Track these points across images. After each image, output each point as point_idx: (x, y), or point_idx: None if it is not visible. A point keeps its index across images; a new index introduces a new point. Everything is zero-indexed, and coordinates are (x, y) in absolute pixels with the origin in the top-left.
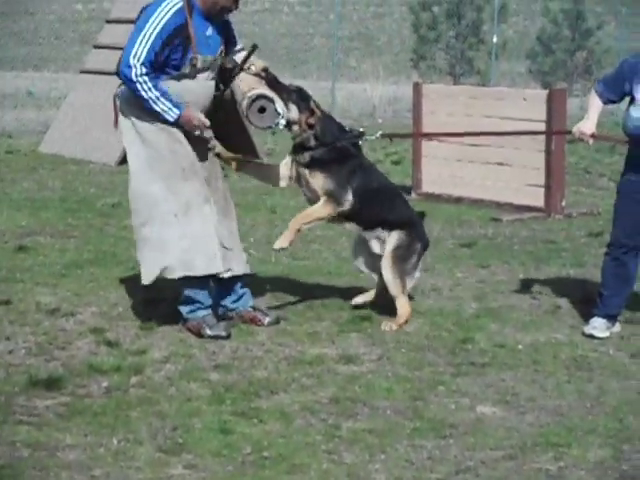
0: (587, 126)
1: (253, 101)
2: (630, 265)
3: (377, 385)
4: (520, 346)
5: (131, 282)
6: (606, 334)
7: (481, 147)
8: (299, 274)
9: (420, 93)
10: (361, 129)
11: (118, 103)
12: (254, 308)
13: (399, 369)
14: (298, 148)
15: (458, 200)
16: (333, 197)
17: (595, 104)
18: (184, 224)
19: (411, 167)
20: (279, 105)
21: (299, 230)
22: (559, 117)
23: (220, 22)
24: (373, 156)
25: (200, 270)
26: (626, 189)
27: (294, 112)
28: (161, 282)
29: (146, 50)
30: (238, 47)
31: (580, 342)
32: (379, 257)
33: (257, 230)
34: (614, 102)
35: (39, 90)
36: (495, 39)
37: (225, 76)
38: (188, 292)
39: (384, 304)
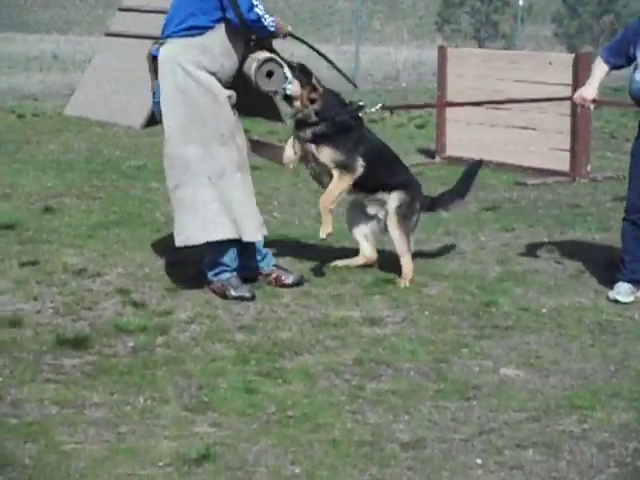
0: (588, 92)
1: (262, 64)
2: None
3: (401, 347)
4: (544, 310)
5: (157, 243)
6: (630, 299)
7: (505, 111)
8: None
9: (445, 57)
10: (361, 102)
11: (154, 63)
12: (277, 267)
13: (423, 331)
14: (300, 124)
15: (482, 164)
16: (346, 167)
17: (598, 70)
18: (216, 188)
19: (435, 131)
20: (287, 70)
21: (331, 210)
22: (585, 81)
23: None
24: (397, 120)
25: (225, 234)
26: (638, 151)
27: (296, 87)
28: None
29: None
30: None
31: (604, 306)
32: (373, 219)
33: (281, 193)
34: (621, 67)
35: (64, 53)
36: (521, 2)
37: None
38: (213, 255)
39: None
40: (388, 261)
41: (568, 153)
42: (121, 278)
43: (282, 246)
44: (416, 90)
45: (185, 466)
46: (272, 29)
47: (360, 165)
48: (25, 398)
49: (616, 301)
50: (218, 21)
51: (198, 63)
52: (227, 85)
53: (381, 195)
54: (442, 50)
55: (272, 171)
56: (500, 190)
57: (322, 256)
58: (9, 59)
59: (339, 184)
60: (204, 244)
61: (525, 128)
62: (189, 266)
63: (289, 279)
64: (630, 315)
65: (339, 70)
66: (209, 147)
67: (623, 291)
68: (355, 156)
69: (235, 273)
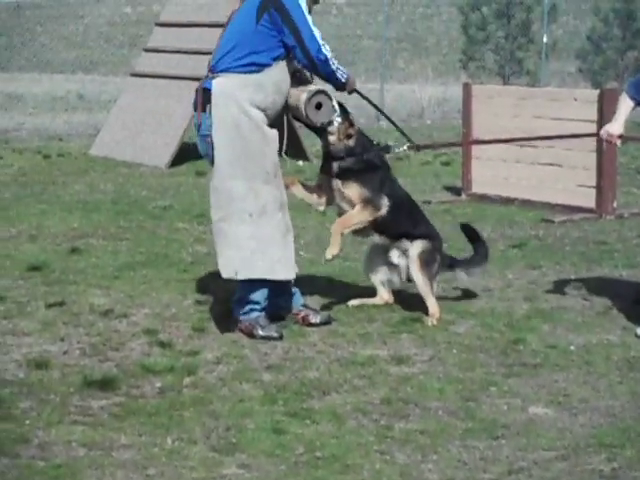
0: (614, 128)
1: (312, 96)
2: None
3: (429, 386)
4: (572, 347)
5: (183, 283)
6: None
7: (531, 148)
8: (349, 275)
9: (470, 93)
10: (389, 142)
11: (204, 96)
12: (306, 306)
13: (451, 370)
14: (328, 159)
15: (508, 201)
16: (371, 202)
17: (624, 105)
18: (257, 225)
19: (461, 168)
20: (335, 102)
21: (342, 234)
22: (610, 117)
23: None
24: (423, 158)
25: (261, 274)
26: None
27: (338, 109)
28: (213, 283)
29: (315, 27)
30: None
31: (633, 343)
32: (393, 266)
33: (307, 232)
34: None
35: (89, 93)
36: (545, 39)
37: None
38: (244, 293)
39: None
40: (415, 300)
41: (594, 189)
42: (148, 318)
43: (309, 285)
44: (441, 128)
45: None
46: (343, 80)
47: (385, 204)
48: (53, 440)
49: None
50: (276, 59)
51: (252, 100)
52: (272, 122)
53: (404, 244)
54: (467, 87)
55: (299, 210)
56: (526, 227)
57: (350, 295)
58: (34, 99)
59: (359, 214)
60: (235, 282)
61: (551, 165)
62: (216, 306)
63: (317, 318)
64: None
65: (397, 126)
66: (254, 184)
67: None
68: (380, 194)
69: (264, 313)
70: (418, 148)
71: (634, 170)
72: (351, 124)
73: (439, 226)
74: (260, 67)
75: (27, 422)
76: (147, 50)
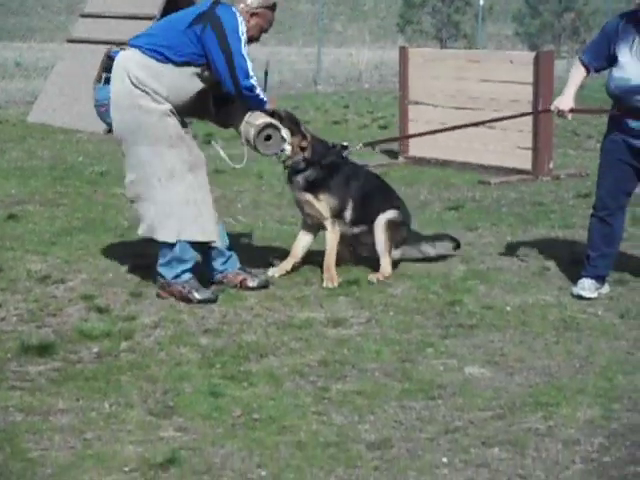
0: (564, 102)
1: (260, 131)
2: (616, 225)
3: (366, 347)
4: (508, 308)
5: (120, 249)
6: (594, 295)
7: (467, 110)
8: (287, 239)
9: (406, 57)
10: (344, 143)
11: (108, 62)
12: (242, 270)
13: (387, 331)
14: (291, 173)
15: (445, 163)
16: (336, 216)
17: (576, 76)
18: (166, 189)
19: (398, 131)
20: (284, 132)
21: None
22: (546, 79)
23: None
24: (360, 121)
25: (175, 236)
26: (609, 149)
27: (287, 136)
28: (150, 248)
29: (248, 59)
30: None
31: (568, 303)
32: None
33: (245, 196)
34: (603, 69)
35: (26, 60)
36: (482, 2)
37: None
38: (173, 255)
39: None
40: (349, 264)
41: (530, 151)
42: (85, 284)
43: (247, 249)
44: (379, 92)
45: (151, 471)
46: (265, 101)
47: (348, 212)
48: None
49: (580, 297)
50: (185, 64)
51: (145, 82)
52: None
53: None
54: (403, 51)
55: (236, 175)
56: (463, 190)
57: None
58: None
59: (333, 238)
60: (164, 243)
61: (488, 127)
62: (153, 271)
63: (254, 282)
64: (594, 312)
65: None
66: (158, 147)
67: (587, 287)
68: (344, 203)
69: (192, 274)
70: (372, 145)
71: (570, 132)
72: (304, 136)
73: None
74: (166, 60)
75: None
76: (83, 16)
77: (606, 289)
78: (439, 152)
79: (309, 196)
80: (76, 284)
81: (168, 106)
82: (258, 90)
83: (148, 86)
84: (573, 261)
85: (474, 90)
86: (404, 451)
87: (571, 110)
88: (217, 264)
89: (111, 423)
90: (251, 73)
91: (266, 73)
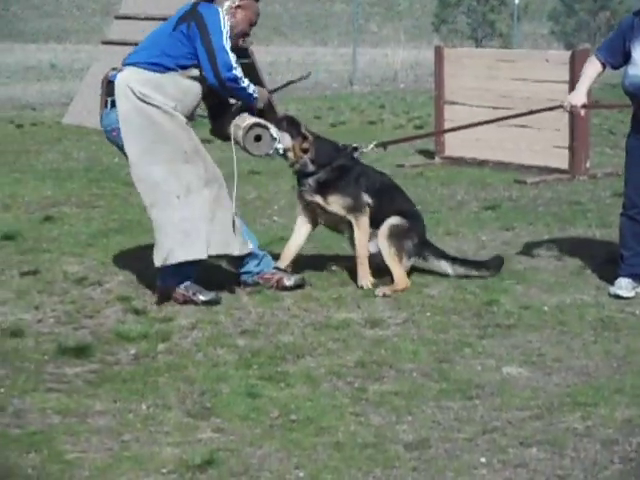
0: (577, 98)
1: (248, 131)
2: None
3: (403, 348)
4: (546, 307)
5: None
6: (632, 294)
7: (503, 110)
8: (323, 240)
9: (442, 57)
10: (354, 144)
11: (109, 88)
12: (278, 269)
13: (425, 332)
14: (300, 177)
15: (481, 163)
16: (358, 211)
17: (590, 71)
18: (186, 206)
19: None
20: (274, 130)
21: (365, 259)
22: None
23: None
24: (396, 121)
25: (197, 254)
26: (633, 148)
27: (287, 140)
28: None
29: (231, 53)
30: None
31: (606, 303)
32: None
33: (280, 197)
34: (620, 66)
35: (61, 62)
36: (517, 1)
37: None
38: (179, 267)
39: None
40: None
41: (567, 150)
42: (122, 286)
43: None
44: (414, 91)
45: (189, 472)
46: (255, 95)
47: (368, 203)
48: (28, 408)
49: (617, 296)
50: (182, 67)
51: (151, 96)
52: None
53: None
54: (439, 50)
55: (271, 176)
56: (500, 189)
57: (323, 260)
58: (7, 69)
59: (362, 234)
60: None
61: (524, 126)
62: None
63: (290, 281)
64: (632, 311)
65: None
66: (173, 166)
67: (624, 286)
68: (361, 196)
69: (192, 280)
70: (384, 146)
71: (607, 130)
72: (304, 138)
73: (412, 190)
74: (164, 69)
75: (2, 390)
76: (118, 17)
77: None
78: (475, 152)
79: (319, 198)
80: (113, 286)
81: (180, 117)
82: (245, 83)
83: (155, 99)
84: (610, 260)
85: (510, 89)
86: (442, 451)
87: (584, 106)
88: (251, 266)
89: (149, 425)
90: (234, 65)
91: (292, 82)
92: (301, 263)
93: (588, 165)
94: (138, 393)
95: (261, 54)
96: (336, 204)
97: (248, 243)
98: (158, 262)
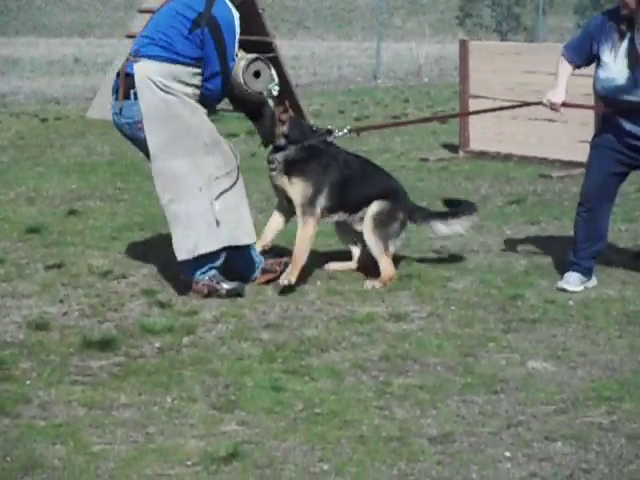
0: (556, 95)
1: (250, 63)
2: (600, 220)
3: (427, 342)
4: (571, 302)
5: None
6: (580, 288)
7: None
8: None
9: (466, 51)
10: (329, 127)
11: (127, 80)
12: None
13: (449, 326)
14: (270, 152)
15: (506, 157)
16: (308, 209)
17: (562, 71)
18: (209, 197)
19: (458, 125)
20: (274, 71)
21: (303, 261)
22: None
23: None
24: (420, 115)
25: (223, 242)
26: (597, 146)
27: (276, 77)
28: None
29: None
30: None
31: (632, 297)
32: (361, 234)
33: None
34: (586, 65)
35: (85, 56)
36: None
37: None
38: (204, 258)
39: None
40: (411, 258)
41: None
42: (146, 279)
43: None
44: (439, 85)
45: (213, 465)
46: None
47: (320, 206)
48: (53, 400)
49: (564, 290)
50: (196, 59)
51: (172, 86)
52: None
53: (363, 211)
54: (464, 44)
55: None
56: (524, 183)
57: (347, 254)
58: (31, 63)
59: (306, 234)
60: None
61: (548, 120)
62: None
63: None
64: None
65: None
66: (195, 159)
67: (572, 281)
68: (319, 194)
69: (217, 271)
70: (358, 132)
71: None
72: (285, 109)
73: (436, 183)
74: (182, 63)
75: (28, 382)
76: (142, 11)
77: (593, 282)
78: (500, 146)
79: (285, 179)
80: (137, 279)
81: (201, 108)
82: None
83: (179, 91)
84: (636, 255)
85: (535, 83)
86: (466, 445)
87: (563, 104)
88: (248, 265)
89: (173, 417)
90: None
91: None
92: (325, 257)
93: None
94: (163, 386)
95: (285, 48)
96: (296, 188)
97: (253, 234)
98: (183, 255)
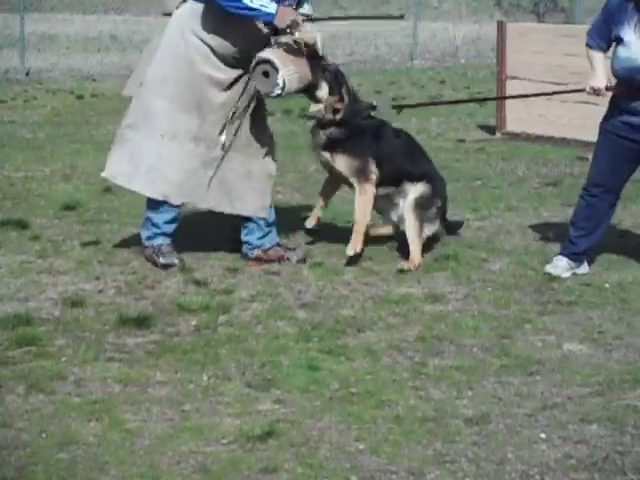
0: (597, 81)
1: (258, 64)
2: (601, 207)
3: (463, 323)
4: (607, 284)
5: (218, 223)
6: (568, 274)
7: (565, 85)
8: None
9: (504, 32)
10: (373, 102)
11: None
12: (279, 245)
13: (485, 307)
14: (317, 129)
15: (542, 139)
16: (362, 176)
17: (596, 56)
18: (165, 147)
19: (495, 107)
20: (282, 74)
21: (364, 230)
22: None
23: None
24: (456, 97)
25: (152, 193)
26: (607, 131)
27: (324, 91)
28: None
29: None
30: (304, 10)
31: None
32: (395, 206)
33: (286, 172)
34: (608, 49)
35: (121, 33)
36: None
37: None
38: (149, 214)
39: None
40: (447, 239)
41: None
42: (183, 257)
43: (337, 224)
44: (475, 66)
45: (249, 443)
46: (272, 11)
47: (373, 171)
48: (88, 377)
49: (550, 274)
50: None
51: (194, 30)
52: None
53: (405, 186)
54: (501, 25)
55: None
56: (561, 165)
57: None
58: (67, 40)
59: (365, 200)
60: (146, 202)
61: (585, 103)
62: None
63: (293, 258)
64: None
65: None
66: (172, 106)
67: (560, 265)
68: (368, 162)
69: (169, 240)
70: (400, 109)
71: None
72: (341, 99)
73: (473, 164)
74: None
75: (63, 359)
76: None
77: (585, 269)
78: (536, 127)
79: (328, 155)
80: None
81: (215, 66)
82: (253, 3)
83: (197, 34)
84: None
85: (572, 65)
86: (502, 427)
87: (607, 88)
88: (253, 238)
89: (209, 395)
90: None
91: (381, 17)
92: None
93: None
94: (199, 364)
95: (321, 27)
96: (342, 165)
97: (263, 210)
98: (108, 174)
